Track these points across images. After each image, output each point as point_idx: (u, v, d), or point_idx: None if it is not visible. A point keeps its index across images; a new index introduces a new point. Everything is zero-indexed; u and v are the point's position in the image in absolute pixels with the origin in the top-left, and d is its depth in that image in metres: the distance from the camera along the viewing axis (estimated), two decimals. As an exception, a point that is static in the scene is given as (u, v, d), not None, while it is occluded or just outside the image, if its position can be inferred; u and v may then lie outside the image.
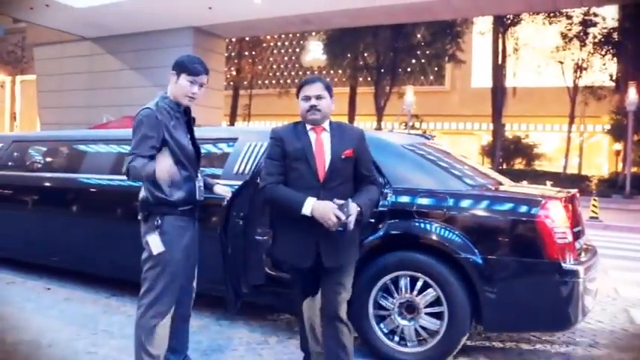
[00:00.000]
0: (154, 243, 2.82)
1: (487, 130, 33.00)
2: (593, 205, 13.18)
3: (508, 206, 3.42)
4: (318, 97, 2.79)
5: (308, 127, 2.83)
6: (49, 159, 5.96)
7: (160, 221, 2.84)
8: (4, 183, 5.76)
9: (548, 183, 14.30)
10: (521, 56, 28.93)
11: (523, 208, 3.36)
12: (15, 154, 6.00)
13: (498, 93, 26.54)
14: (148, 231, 2.85)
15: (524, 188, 4.60)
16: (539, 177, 23.02)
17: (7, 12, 20.09)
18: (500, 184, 4.16)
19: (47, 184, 5.47)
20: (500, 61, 27.26)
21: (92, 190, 5.00)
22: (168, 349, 3.11)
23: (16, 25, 33.14)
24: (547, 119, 34.86)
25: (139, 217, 2.93)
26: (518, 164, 31.15)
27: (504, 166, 28.31)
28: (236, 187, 3.49)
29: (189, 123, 3.02)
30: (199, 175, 3.04)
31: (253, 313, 4.56)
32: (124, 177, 2.85)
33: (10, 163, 5.94)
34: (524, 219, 3.31)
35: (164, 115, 2.84)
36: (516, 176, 16.81)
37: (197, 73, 2.89)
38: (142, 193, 2.91)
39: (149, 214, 2.87)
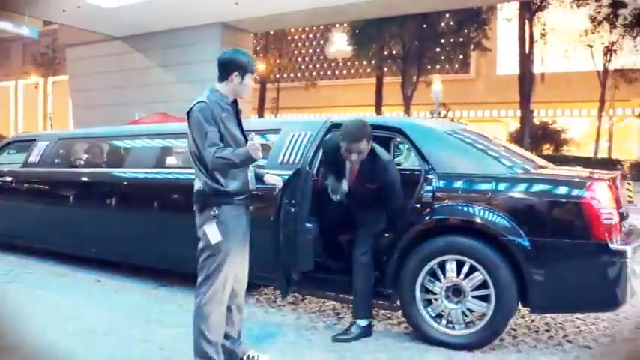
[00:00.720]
0: (212, 233, 2.90)
1: (514, 117, 32.53)
2: (628, 189, 12.94)
3: (553, 188, 3.46)
4: (359, 153, 3.50)
5: None
6: (94, 155, 6.15)
7: (216, 211, 2.93)
8: (52, 179, 5.95)
9: (578, 169, 14.07)
10: (549, 41, 28.43)
11: (569, 190, 3.39)
12: (61, 150, 6.19)
13: (526, 79, 26.14)
14: (205, 221, 2.93)
15: (568, 170, 4.60)
16: (568, 162, 22.62)
17: (40, 15, 20.47)
18: (543, 167, 4.18)
19: (93, 179, 5.64)
20: (527, 47, 26.83)
21: (137, 183, 5.14)
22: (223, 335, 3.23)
23: (48, 27, 33.77)
24: (574, 104, 34.22)
25: (195, 209, 3.01)
26: (546, 150, 30.68)
27: (532, 153, 27.90)
28: (284, 176, 3.58)
29: (237, 115, 3.12)
30: (250, 165, 3.12)
31: (299, 300, 4.67)
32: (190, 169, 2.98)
33: (56, 160, 6.13)
34: (570, 200, 3.34)
35: (216, 108, 2.94)
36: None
37: (253, 69, 3.08)
38: (198, 185, 2.99)
39: (205, 205, 2.95)
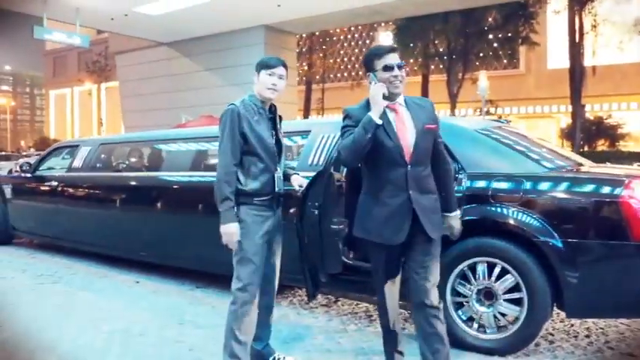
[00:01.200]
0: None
1: (566, 112, 31.54)
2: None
3: (589, 187, 3.30)
4: (400, 68, 2.67)
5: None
6: (134, 159, 6.29)
7: (236, 210, 2.96)
8: (94, 183, 6.13)
9: (635, 164, 13.54)
10: (601, 33, 27.43)
11: (605, 189, 3.23)
12: (103, 155, 6.36)
13: (577, 73, 25.29)
14: None
15: (607, 168, 4.42)
16: (624, 158, 21.81)
17: (90, 24, 21.15)
18: (581, 165, 4.02)
19: (133, 182, 5.77)
20: (577, 40, 25.96)
21: (175, 186, 5.22)
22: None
23: (100, 36, 34.95)
24: (631, 97, 32.91)
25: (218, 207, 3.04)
26: (601, 146, 29.64)
27: (586, 149, 27.00)
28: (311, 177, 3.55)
29: (274, 120, 3.15)
30: (279, 167, 3.12)
31: (331, 302, 4.64)
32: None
33: (98, 165, 6.31)
34: (607, 200, 3.19)
35: (248, 110, 3.00)
36: (599, 158, 16.02)
37: (273, 65, 3.05)
38: None
39: None
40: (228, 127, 2.98)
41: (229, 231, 2.92)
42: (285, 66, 3.13)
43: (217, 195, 2.95)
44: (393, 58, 2.67)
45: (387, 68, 2.65)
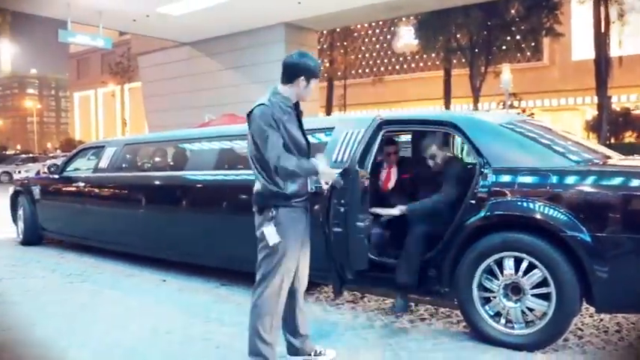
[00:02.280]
0: (270, 234, 2.92)
1: (591, 104, 31.10)
2: None
3: (617, 180, 3.25)
4: None
5: None
6: (158, 159, 6.35)
7: (274, 212, 2.94)
8: (120, 183, 6.21)
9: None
10: (627, 22, 26.88)
11: (634, 182, 3.17)
12: (127, 155, 6.43)
13: (602, 63, 24.83)
14: (264, 222, 2.95)
15: (635, 161, 4.33)
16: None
17: (112, 26, 21.38)
18: (608, 158, 3.95)
19: (158, 182, 5.83)
20: (603, 30, 25.47)
21: (199, 185, 5.25)
22: (289, 332, 3.27)
23: (122, 38, 35.36)
24: (660, 88, 32.30)
25: (254, 209, 3.04)
26: (629, 137, 29.12)
27: (612, 141, 26.57)
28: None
29: (298, 117, 3.10)
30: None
31: (358, 298, 4.63)
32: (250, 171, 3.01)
33: (124, 165, 6.39)
34: (635, 193, 3.13)
35: (277, 111, 2.94)
36: (627, 150, 15.74)
37: (319, 73, 3.08)
38: (257, 186, 3.02)
39: (264, 206, 2.97)
40: (264, 126, 2.89)
41: (327, 171, 3.02)
42: None
43: (293, 174, 2.91)
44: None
45: None
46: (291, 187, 2.97)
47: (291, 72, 3.00)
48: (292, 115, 3.02)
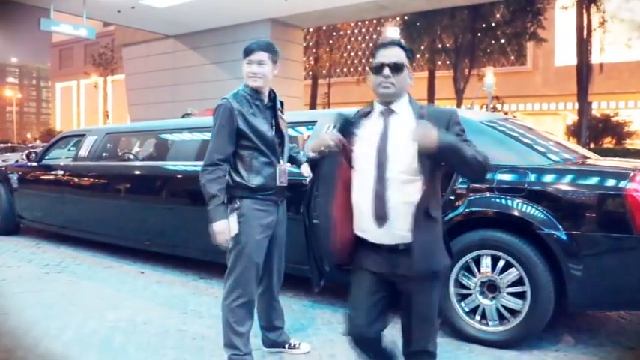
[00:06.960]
0: (231, 224, 2.92)
1: (572, 110, 31.41)
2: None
3: (594, 180, 3.30)
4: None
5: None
6: (139, 148, 6.30)
7: (238, 204, 2.94)
8: (100, 172, 6.14)
9: (627, 159, 13.47)
10: (609, 30, 27.24)
11: (610, 182, 3.23)
12: (108, 144, 6.37)
13: (584, 70, 25.14)
14: (228, 213, 2.95)
15: (612, 162, 4.40)
16: (630, 156, 21.74)
17: (97, 16, 21.14)
18: (586, 158, 4.01)
19: (138, 172, 5.79)
20: (585, 37, 25.79)
21: (180, 176, 5.23)
22: (265, 324, 3.28)
23: (106, 29, 34.95)
24: (638, 95, 32.74)
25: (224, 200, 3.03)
26: (607, 144, 29.53)
27: (592, 146, 26.90)
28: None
29: (274, 108, 3.05)
30: (282, 160, 3.07)
31: (337, 293, 4.64)
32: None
33: (104, 154, 6.33)
34: (611, 192, 3.18)
35: (242, 103, 2.90)
36: (605, 155, 15.94)
37: (250, 52, 2.92)
38: (227, 177, 3.01)
39: (230, 197, 2.96)
40: (218, 123, 2.90)
41: (220, 229, 2.86)
42: (267, 50, 2.93)
43: (204, 194, 2.89)
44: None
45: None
46: (256, 180, 2.94)
47: None
48: (261, 107, 2.96)
